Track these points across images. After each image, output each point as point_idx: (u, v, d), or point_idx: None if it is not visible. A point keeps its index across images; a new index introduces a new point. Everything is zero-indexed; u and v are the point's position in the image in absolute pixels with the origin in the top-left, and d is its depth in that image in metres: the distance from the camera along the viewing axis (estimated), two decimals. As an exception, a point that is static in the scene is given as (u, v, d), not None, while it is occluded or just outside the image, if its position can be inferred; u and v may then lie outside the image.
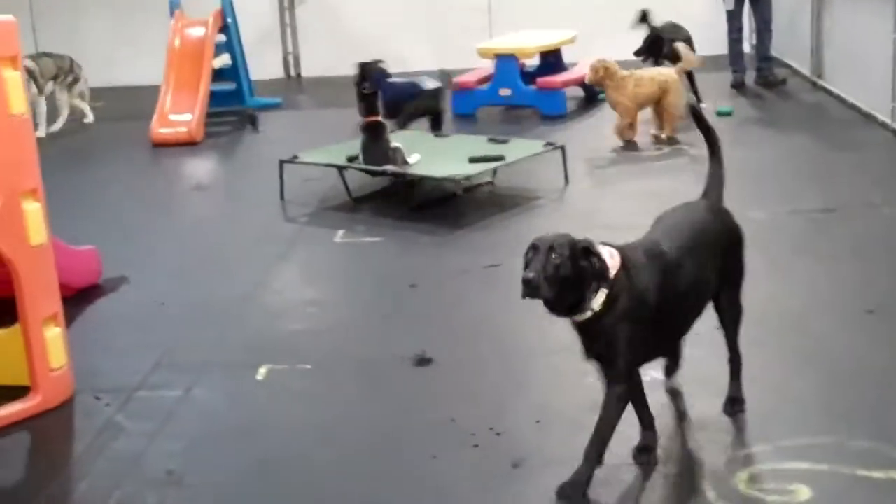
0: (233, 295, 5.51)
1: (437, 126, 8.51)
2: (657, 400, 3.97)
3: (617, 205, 6.69)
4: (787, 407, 3.94)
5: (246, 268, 5.95)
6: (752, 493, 3.38)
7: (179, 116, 9.67)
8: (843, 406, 3.93)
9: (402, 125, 8.29)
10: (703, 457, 3.63)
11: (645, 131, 8.43)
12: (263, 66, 11.90)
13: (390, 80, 8.48)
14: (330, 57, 10.87)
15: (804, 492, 3.36)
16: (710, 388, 4.05)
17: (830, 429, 3.72)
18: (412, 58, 12.41)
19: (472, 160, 6.94)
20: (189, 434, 4.01)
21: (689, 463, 3.61)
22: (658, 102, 8.31)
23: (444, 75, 8.81)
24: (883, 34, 8.08)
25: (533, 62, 10.40)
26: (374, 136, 7.02)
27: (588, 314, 3.31)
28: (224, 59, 10.44)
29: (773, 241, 5.79)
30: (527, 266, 3.24)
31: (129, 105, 10.65)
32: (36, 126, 8.58)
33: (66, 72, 9.88)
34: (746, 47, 10.68)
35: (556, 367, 4.31)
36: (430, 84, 8.61)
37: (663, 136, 8.37)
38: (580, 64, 9.89)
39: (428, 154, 7.16)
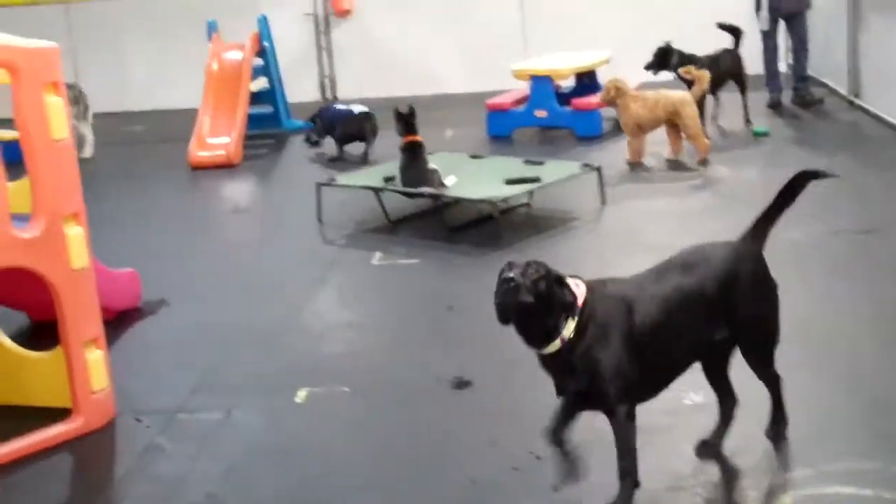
0: (272, 317, 5.54)
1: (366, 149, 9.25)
2: (698, 423, 3.95)
3: (655, 226, 6.67)
4: (829, 431, 3.91)
5: (284, 290, 5.98)
6: (796, 518, 3.36)
7: (217, 139, 9.75)
8: (886, 430, 3.89)
9: (339, 146, 9.38)
10: (746, 481, 3.60)
11: (686, 152, 8.41)
12: (300, 89, 11.97)
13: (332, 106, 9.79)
14: (366, 79, 10.97)
15: (848, 517, 3.34)
16: (752, 410, 4.02)
17: (874, 453, 3.69)
18: (447, 79, 12.49)
19: (509, 182, 6.94)
20: (229, 456, 4.03)
21: (732, 487, 3.58)
22: (673, 126, 8.29)
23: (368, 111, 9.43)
24: (921, 53, 8.04)
25: (568, 83, 10.41)
26: (412, 157, 7.05)
27: (558, 344, 3.31)
28: (261, 83, 10.52)
29: (810, 262, 5.76)
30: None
31: (167, 128, 10.75)
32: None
33: (77, 100, 9.81)
34: (782, 67, 10.63)
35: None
36: (357, 110, 9.37)
37: (690, 158, 8.35)
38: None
39: (464, 176, 7.17)
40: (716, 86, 9.33)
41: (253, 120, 10.34)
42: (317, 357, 4.99)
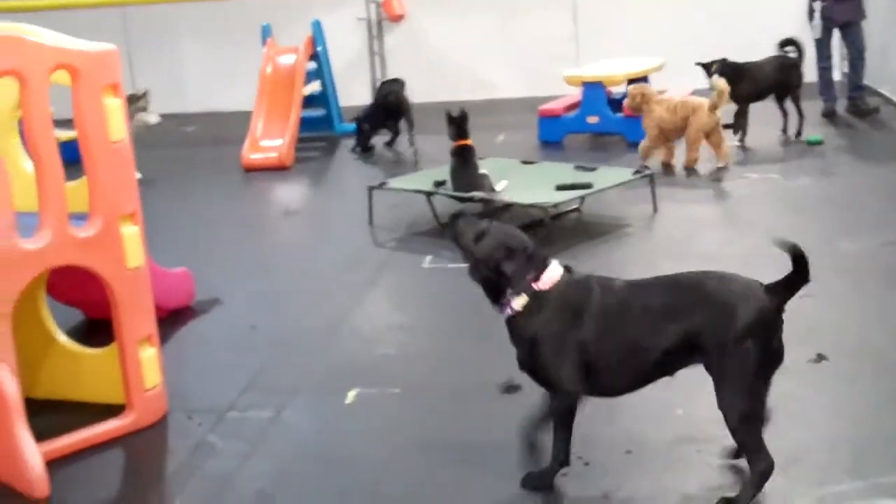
0: (323, 318, 5.57)
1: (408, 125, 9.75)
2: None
3: (707, 234, 6.65)
4: (881, 443, 3.87)
5: (336, 292, 6.02)
6: (846, 530, 3.34)
7: (270, 142, 9.84)
8: (939, 442, 3.85)
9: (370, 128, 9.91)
10: (795, 493, 3.58)
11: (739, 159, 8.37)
12: (352, 92, 12.04)
13: None
14: (417, 83, 10.91)
15: (899, 529, 3.31)
16: (801, 421, 4.00)
17: (927, 466, 3.66)
18: (499, 84, 12.51)
19: (560, 188, 6.94)
20: (280, 455, 4.07)
21: (781, 499, 3.56)
22: (708, 134, 8.30)
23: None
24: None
25: (620, 89, 10.38)
26: (462, 161, 7.06)
27: (508, 311, 3.55)
28: (314, 86, 10.60)
29: (864, 274, 5.70)
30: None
31: (221, 130, 10.86)
32: None
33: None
34: (836, 75, 10.54)
35: (647, 397, 4.25)
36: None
37: (719, 164, 8.36)
38: (668, 92, 9.84)
39: (515, 181, 7.18)
40: (762, 94, 9.30)
41: (305, 123, 10.43)
42: (367, 359, 5.02)
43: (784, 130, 9.39)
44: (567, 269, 3.61)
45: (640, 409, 4.24)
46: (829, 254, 6.03)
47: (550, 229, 6.66)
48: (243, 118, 10.20)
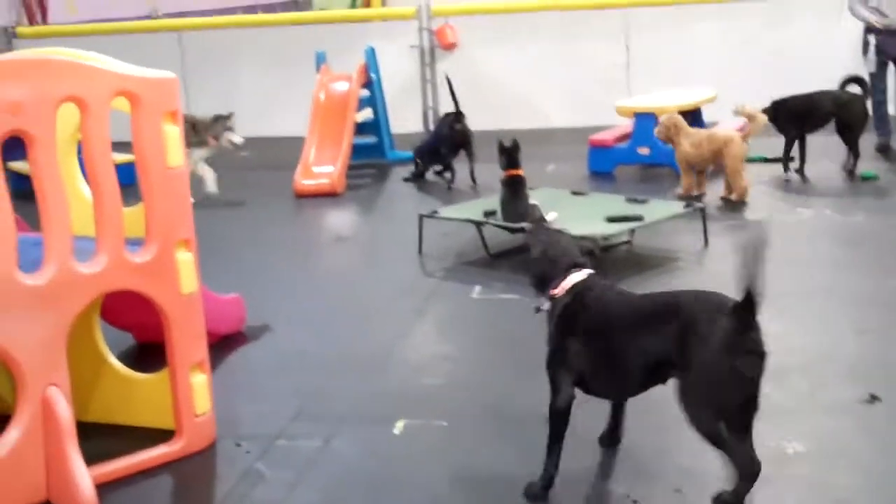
0: (371, 347, 5.59)
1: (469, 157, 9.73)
2: (793, 472, 3.90)
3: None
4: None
5: (385, 320, 6.03)
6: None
7: (322, 168, 9.90)
8: None
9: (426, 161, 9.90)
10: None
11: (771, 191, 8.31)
12: (404, 119, 12.10)
13: None
14: (469, 111, 10.93)
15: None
16: (852, 462, 3.96)
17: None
18: (550, 114, 12.52)
19: (610, 220, 6.92)
20: (327, 485, 4.08)
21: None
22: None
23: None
24: None
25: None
26: (513, 192, 7.07)
27: (542, 307, 3.90)
28: (366, 113, 10.66)
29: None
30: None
31: (274, 155, 10.93)
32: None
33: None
34: (892, 109, 10.44)
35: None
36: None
37: (732, 197, 8.35)
38: (720, 124, 9.82)
39: (566, 212, 7.16)
40: (811, 126, 9.24)
41: (357, 150, 10.48)
42: (415, 388, 5.02)
43: (844, 166, 9.29)
44: (589, 277, 3.84)
45: (690, 444, 4.18)
46: (882, 291, 5.97)
47: (601, 261, 6.63)
48: (296, 144, 10.28)
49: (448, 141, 9.71)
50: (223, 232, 8.25)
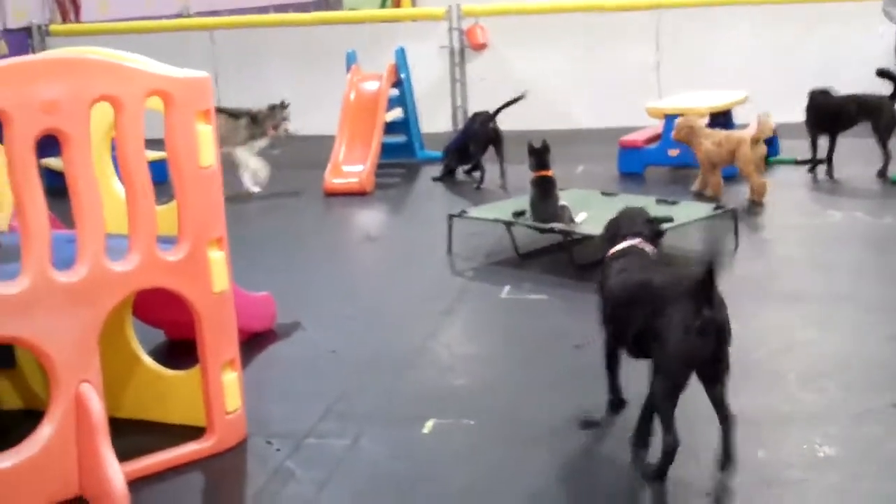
0: (400, 346, 5.60)
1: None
2: (824, 476, 3.89)
3: (790, 273, 6.58)
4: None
5: (414, 319, 6.04)
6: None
7: (352, 167, 9.92)
8: None
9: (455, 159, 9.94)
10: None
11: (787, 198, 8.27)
12: (433, 119, 12.11)
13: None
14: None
15: None
16: (881, 467, 3.94)
17: None
18: (580, 115, 12.49)
19: (640, 221, 6.89)
20: (357, 484, 4.09)
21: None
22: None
23: None
24: None
25: (702, 122, 10.30)
26: (543, 192, 7.06)
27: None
28: (396, 113, 10.67)
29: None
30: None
31: (304, 154, 10.97)
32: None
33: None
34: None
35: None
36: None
37: (753, 198, 8.37)
38: (751, 125, 9.76)
39: (595, 213, 7.15)
40: (835, 129, 9.21)
41: (386, 149, 10.50)
42: (444, 388, 5.03)
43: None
44: (630, 247, 4.28)
45: (720, 450, 4.19)
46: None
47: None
48: (326, 143, 10.30)
49: (478, 139, 9.70)
50: (253, 229, 8.28)
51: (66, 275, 3.88)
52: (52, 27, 13.29)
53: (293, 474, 4.18)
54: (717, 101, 10.17)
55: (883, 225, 7.65)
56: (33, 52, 12.86)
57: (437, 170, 10.15)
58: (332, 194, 9.65)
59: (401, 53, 10.87)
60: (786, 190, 8.72)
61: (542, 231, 7.07)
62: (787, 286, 6.26)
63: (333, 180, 9.78)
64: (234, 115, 9.75)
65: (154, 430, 4.56)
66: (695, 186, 8.70)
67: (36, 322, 3.80)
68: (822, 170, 9.34)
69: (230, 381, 4.42)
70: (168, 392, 4.71)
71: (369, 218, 9.14)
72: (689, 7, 12.47)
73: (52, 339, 3.84)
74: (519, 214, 7.20)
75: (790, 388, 4.75)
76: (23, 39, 13.00)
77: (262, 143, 9.81)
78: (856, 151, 9.42)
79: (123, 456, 4.01)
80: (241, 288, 5.37)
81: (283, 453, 4.36)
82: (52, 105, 3.78)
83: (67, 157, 3.88)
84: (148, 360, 4.81)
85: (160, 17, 14.41)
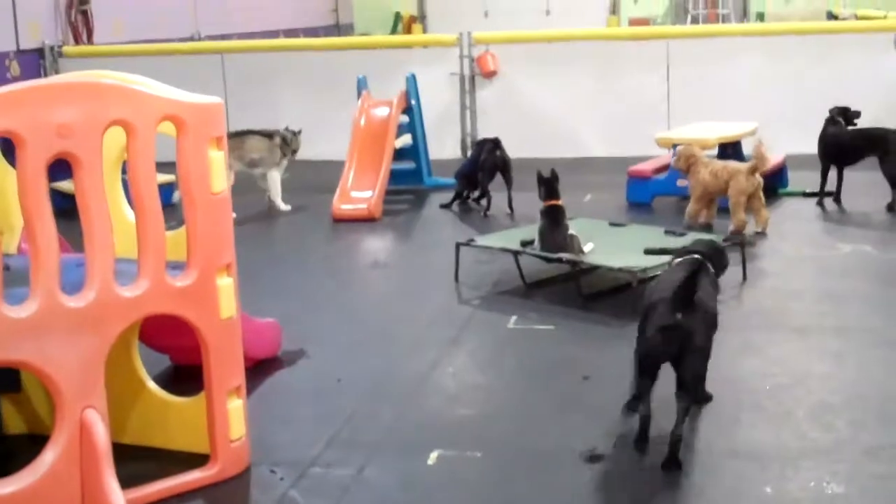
0: (406, 374, 5.58)
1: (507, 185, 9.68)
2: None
3: (799, 306, 6.55)
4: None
5: (420, 348, 6.02)
6: None
7: (360, 193, 9.91)
8: None
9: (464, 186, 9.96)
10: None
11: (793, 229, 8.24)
12: (442, 146, 12.12)
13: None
14: (507, 139, 10.99)
15: None
16: (894, 507, 3.91)
17: None
18: (588, 143, 12.50)
19: (648, 252, 6.88)
20: (361, 515, 4.07)
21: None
22: (749, 198, 8.32)
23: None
24: None
25: (711, 153, 10.30)
26: (552, 222, 7.05)
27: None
28: (405, 140, 10.68)
29: None
30: None
31: (312, 179, 10.98)
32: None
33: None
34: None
35: (740, 472, 4.20)
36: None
37: (757, 230, 8.36)
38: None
39: (603, 244, 7.14)
40: (842, 162, 9.21)
41: (395, 175, 10.49)
42: (449, 418, 5.01)
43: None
44: (677, 262, 4.87)
45: (728, 486, 4.17)
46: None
47: (639, 294, 6.60)
48: (335, 168, 10.31)
49: (486, 166, 9.70)
50: (260, 254, 8.28)
51: (74, 300, 3.87)
52: (65, 49, 13.33)
53: (297, 504, 4.16)
54: (727, 132, 10.17)
55: (891, 259, 7.63)
56: (45, 73, 12.91)
57: (444, 197, 10.16)
58: (340, 220, 9.64)
59: (412, 80, 10.88)
60: (794, 222, 8.71)
61: (550, 261, 7.05)
62: (796, 319, 6.23)
63: (342, 206, 9.77)
64: (267, 135, 9.93)
65: (157, 457, 4.54)
66: (687, 217, 8.60)
67: (43, 346, 3.80)
68: (829, 201, 9.33)
69: (235, 409, 4.40)
70: (172, 418, 4.69)
71: (377, 244, 9.13)
72: (699, 37, 12.52)
73: (58, 364, 3.83)
74: (527, 244, 7.19)
75: (799, 423, 4.73)
76: (35, 60, 13.05)
77: (284, 164, 10.16)
78: (866, 183, 9.40)
79: (126, 483, 4.00)
80: (246, 313, 5.36)
81: (287, 482, 4.34)
82: (66, 129, 3.78)
83: (79, 181, 3.88)
84: (153, 386, 4.79)
85: (171, 41, 14.47)
